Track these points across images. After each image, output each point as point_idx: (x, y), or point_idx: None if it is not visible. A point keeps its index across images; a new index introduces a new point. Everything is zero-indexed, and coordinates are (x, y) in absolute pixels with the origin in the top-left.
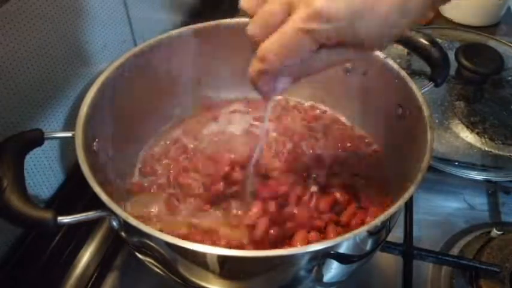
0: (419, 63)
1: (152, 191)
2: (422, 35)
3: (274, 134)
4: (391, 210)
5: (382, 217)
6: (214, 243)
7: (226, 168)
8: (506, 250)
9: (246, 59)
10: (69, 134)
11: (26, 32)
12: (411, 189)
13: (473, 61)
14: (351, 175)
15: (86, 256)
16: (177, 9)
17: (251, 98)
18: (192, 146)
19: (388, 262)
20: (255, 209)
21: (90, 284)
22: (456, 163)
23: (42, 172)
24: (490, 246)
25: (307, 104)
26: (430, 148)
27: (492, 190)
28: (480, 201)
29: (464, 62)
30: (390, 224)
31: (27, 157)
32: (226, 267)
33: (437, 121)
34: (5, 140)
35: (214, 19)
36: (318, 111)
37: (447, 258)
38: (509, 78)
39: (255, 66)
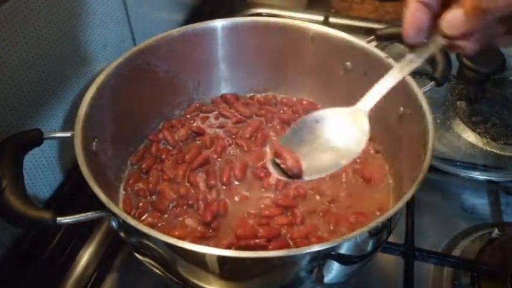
0: None
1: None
2: None
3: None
4: (392, 210)
5: (383, 218)
6: None
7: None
8: (507, 250)
9: (245, 58)
10: (68, 134)
11: (25, 32)
12: (412, 190)
13: (474, 61)
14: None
15: (85, 256)
16: (177, 9)
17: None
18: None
19: (389, 263)
20: None
21: (89, 284)
22: (458, 163)
23: (41, 172)
24: (492, 247)
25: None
26: (432, 148)
27: (493, 190)
28: (481, 202)
29: (466, 62)
30: (391, 225)
31: (26, 157)
32: (226, 267)
33: (438, 121)
34: (4, 140)
35: (214, 18)
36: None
37: (448, 259)
38: (511, 77)
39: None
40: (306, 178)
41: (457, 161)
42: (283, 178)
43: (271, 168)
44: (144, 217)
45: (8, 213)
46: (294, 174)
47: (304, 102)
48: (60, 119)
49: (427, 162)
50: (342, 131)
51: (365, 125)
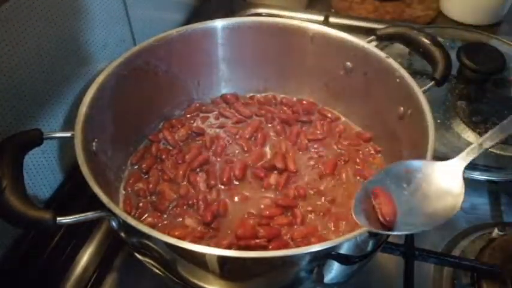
0: (420, 63)
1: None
2: (424, 34)
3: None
4: None
5: None
6: None
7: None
8: (507, 251)
9: (245, 58)
10: (68, 134)
11: (25, 31)
12: None
13: (475, 60)
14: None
15: (85, 256)
16: (177, 9)
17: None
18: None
19: (389, 263)
20: None
21: (89, 284)
22: None
23: (41, 172)
24: (492, 247)
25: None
26: (432, 148)
27: (493, 190)
28: (482, 202)
29: (466, 62)
30: None
31: (26, 157)
32: (226, 267)
33: (438, 121)
34: (4, 140)
35: (214, 18)
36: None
37: (448, 259)
38: (511, 77)
39: None
40: (395, 232)
41: None
42: (368, 227)
43: (355, 214)
44: (144, 217)
45: (8, 213)
46: (386, 223)
47: (304, 102)
48: (60, 119)
49: None
50: (434, 186)
51: (459, 183)
